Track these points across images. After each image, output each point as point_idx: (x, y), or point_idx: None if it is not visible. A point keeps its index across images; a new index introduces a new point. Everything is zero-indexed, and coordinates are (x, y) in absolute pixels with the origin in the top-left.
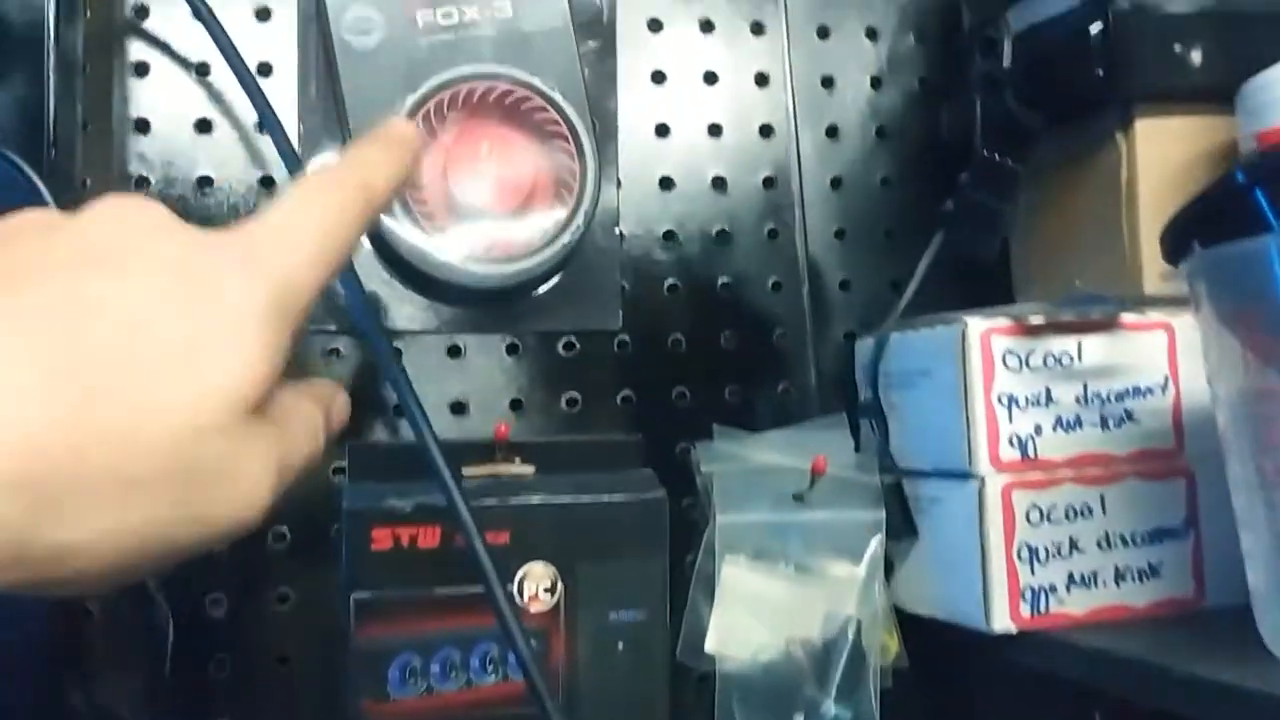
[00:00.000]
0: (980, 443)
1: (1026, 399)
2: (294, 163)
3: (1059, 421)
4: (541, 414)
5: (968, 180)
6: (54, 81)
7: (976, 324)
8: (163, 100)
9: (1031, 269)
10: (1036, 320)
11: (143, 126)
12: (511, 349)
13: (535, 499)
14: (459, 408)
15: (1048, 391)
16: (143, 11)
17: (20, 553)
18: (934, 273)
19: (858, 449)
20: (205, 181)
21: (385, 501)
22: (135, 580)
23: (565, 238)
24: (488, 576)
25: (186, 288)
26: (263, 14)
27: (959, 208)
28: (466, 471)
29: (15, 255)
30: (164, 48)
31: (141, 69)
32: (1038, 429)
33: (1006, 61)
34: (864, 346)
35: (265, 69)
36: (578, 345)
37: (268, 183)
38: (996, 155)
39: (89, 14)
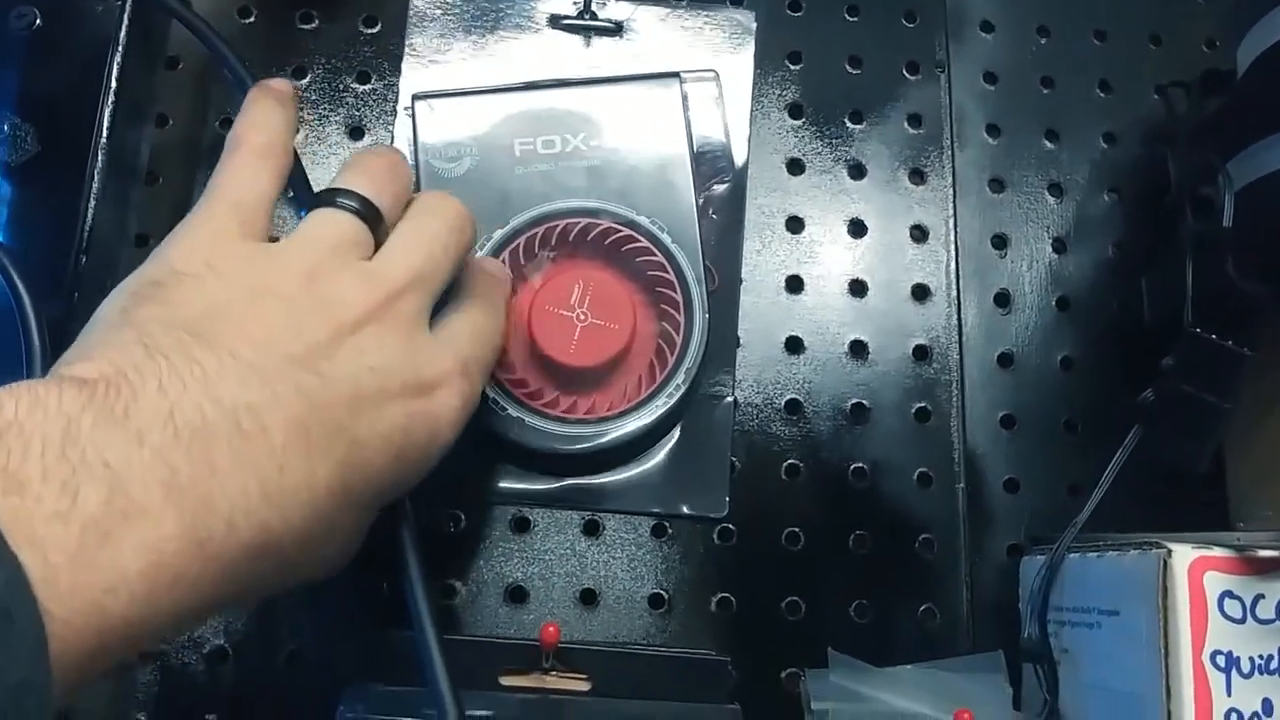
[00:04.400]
0: (1185, 719)
1: (1253, 663)
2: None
3: None
4: (616, 611)
5: (1173, 365)
6: (97, 185)
7: (1184, 553)
8: None
9: (1255, 486)
10: (1268, 554)
11: None
12: (590, 528)
13: None
14: (518, 594)
15: None
16: (228, 124)
17: (255, 591)
18: (1126, 479)
19: (1017, 705)
20: None
21: (382, 715)
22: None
23: (661, 400)
24: None
25: (420, 406)
26: (356, 132)
27: (1161, 399)
28: (505, 681)
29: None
30: None
31: None
32: (1267, 706)
33: (1227, 221)
34: (1032, 567)
35: None
36: (669, 530)
37: None
38: (1213, 335)
39: (170, 123)
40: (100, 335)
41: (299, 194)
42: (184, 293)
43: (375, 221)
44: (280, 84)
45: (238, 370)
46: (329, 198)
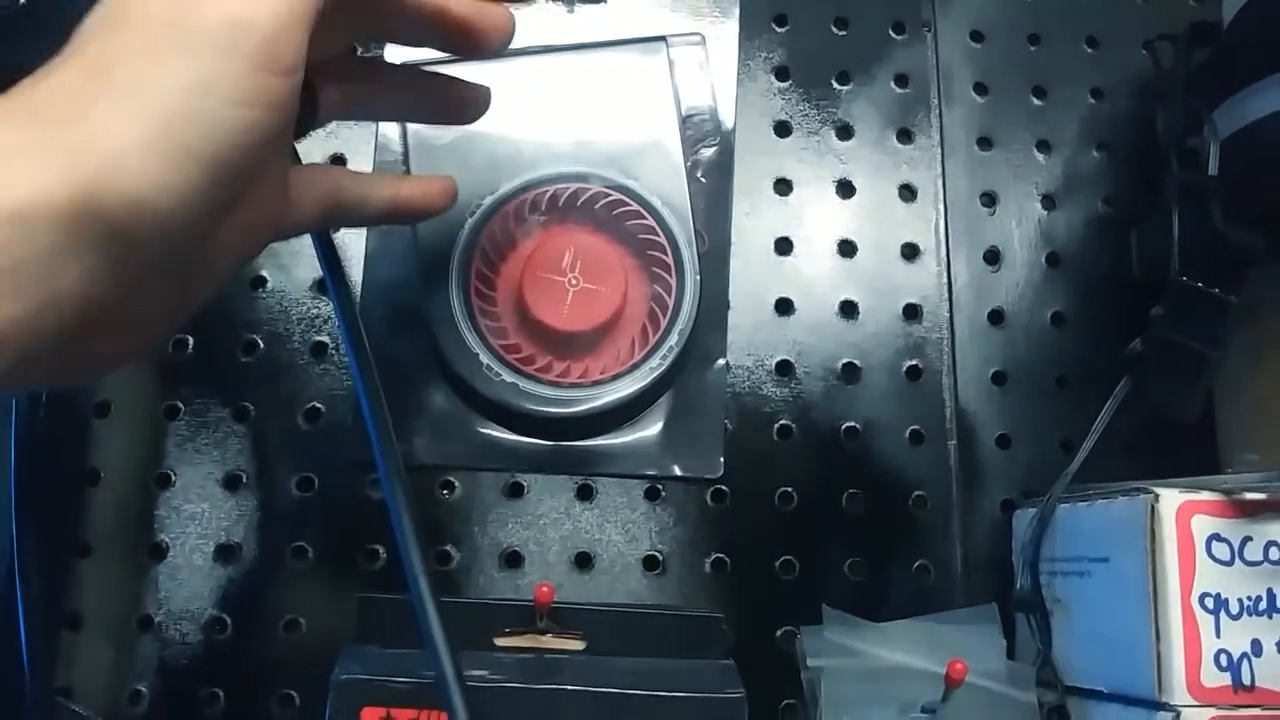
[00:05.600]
0: (1175, 661)
1: (1241, 604)
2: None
3: None
4: (611, 574)
5: (1162, 315)
6: None
7: (1171, 498)
8: None
9: (1244, 431)
10: (1255, 497)
11: None
12: (583, 493)
13: (571, 686)
14: (513, 559)
15: (1271, 596)
16: None
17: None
18: (1116, 431)
19: (1011, 654)
20: (260, 282)
21: (380, 676)
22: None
23: (654, 362)
24: None
25: None
26: None
27: (1150, 349)
28: (501, 642)
29: None
30: None
31: None
32: (1256, 647)
33: (1213, 169)
34: (1024, 519)
35: (337, 162)
36: (663, 493)
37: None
38: (1200, 284)
39: None
40: None
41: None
42: None
43: None
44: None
45: None
46: None
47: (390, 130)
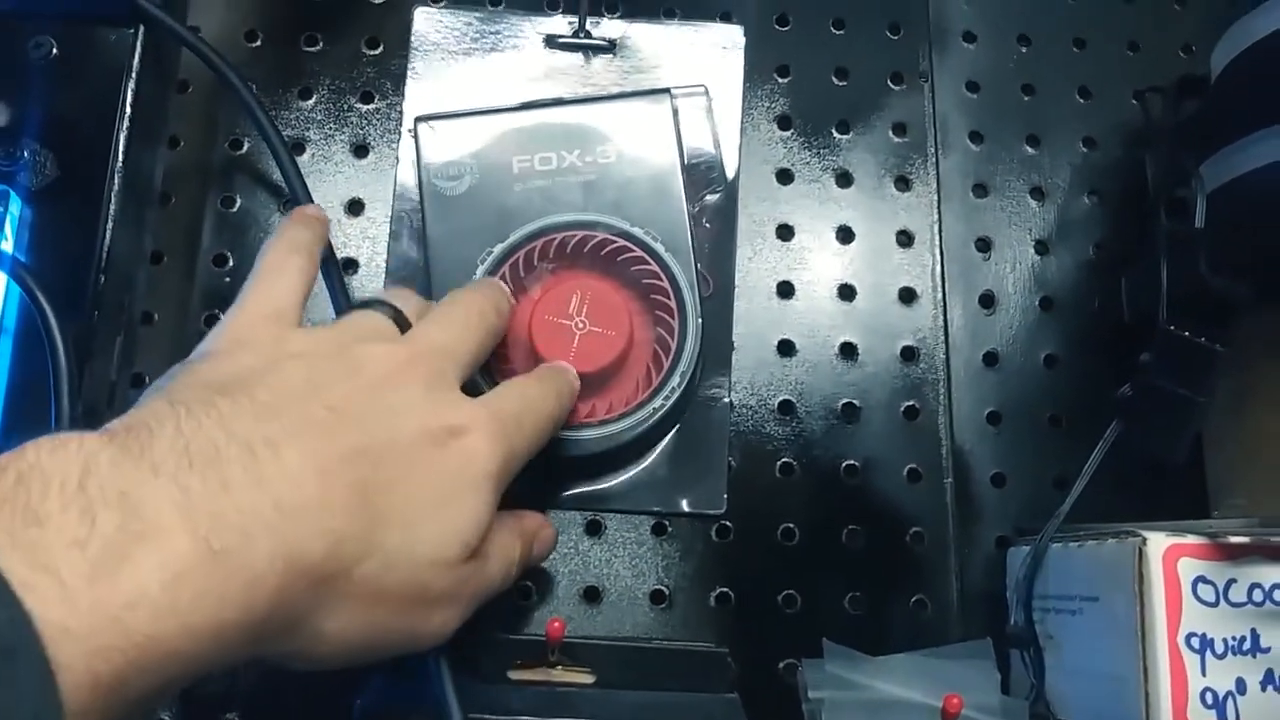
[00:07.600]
0: (1162, 700)
1: (1226, 644)
2: (341, 303)
3: (1270, 678)
4: (619, 608)
5: (1150, 362)
6: (114, 207)
7: (1158, 541)
8: (250, 235)
9: (1232, 475)
10: (1239, 540)
11: (220, 261)
12: (592, 528)
13: (581, 719)
14: (524, 593)
15: (1255, 636)
16: (237, 145)
17: (292, 629)
18: (1108, 473)
19: (1005, 689)
20: None
21: (400, 704)
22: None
23: (658, 402)
24: None
25: (449, 444)
26: (360, 150)
27: (1140, 394)
28: (514, 676)
29: (297, 373)
30: (258, 181)
31: (228, 202)
32: (1240, 686)
33: (1199, 221)
34: (1017, 557)
35: (356, 206)
36: (669, 528)
37: None
38: (1187, 332)
39: (181, 144)
40: (135, 406)
41: (339, 304)
42: (212, 364)
43: (405, 325)
44: (312, 209)
45: (253, 409)
46: (365, 303)
47: (409, 179)
